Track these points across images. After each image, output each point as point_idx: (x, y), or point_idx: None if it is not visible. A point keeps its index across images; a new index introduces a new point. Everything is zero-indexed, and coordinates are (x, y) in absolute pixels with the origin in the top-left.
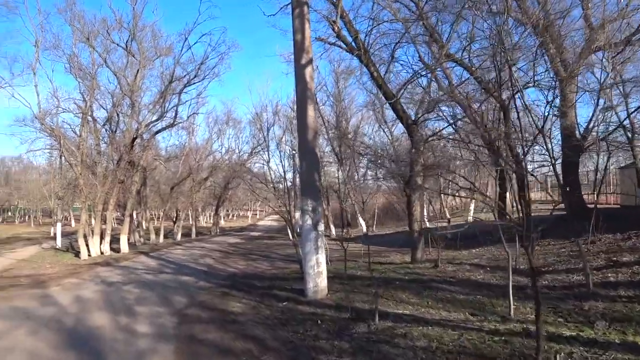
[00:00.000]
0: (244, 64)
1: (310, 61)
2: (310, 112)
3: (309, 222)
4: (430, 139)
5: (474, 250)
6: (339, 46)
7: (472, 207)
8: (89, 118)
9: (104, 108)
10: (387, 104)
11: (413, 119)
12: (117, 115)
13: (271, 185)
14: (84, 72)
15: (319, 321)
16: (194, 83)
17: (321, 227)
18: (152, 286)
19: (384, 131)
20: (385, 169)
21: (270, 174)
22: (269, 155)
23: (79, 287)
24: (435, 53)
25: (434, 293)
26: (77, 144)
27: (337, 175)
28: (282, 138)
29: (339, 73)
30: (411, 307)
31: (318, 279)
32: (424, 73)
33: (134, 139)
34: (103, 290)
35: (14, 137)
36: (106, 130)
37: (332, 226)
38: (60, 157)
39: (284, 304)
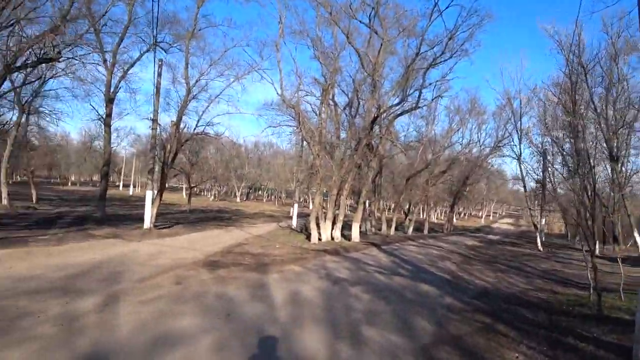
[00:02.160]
0: (495, 40)
1: None
2: None
3: None
4: None
5: None
6: None
7: None
8: (330, 102)
9: (344, 92)
10: None
11: None
12: (357, 100)
13: (522, 184)
14: (326, 55)
15: None
16: (440, 62)
17: None
18: (386, 294)
19: None
20: None
21: (521, 170)
22: (520, 149)
23: (300, 279)
24: None
25: None
26: (316, 126)
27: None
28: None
29: (618, 50)
30: None
31: None
32: None
33: (374, 119)
34: (326, 289)
35: (261, 118)
36: (346, 114)
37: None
38: (302, 141)
39: None
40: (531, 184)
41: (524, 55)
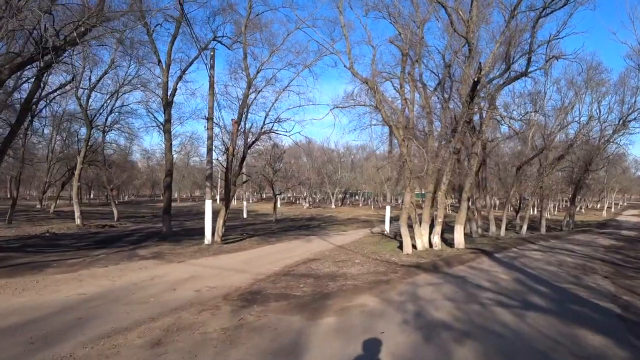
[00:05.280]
0: None
1: None
2: None
3: None
4: None
5: None
6: None
7: None
8: (418, 82)
9: (434, 72)
10: None
11: None
12: (450, 78)
13: None
14: (407, 26)
15: None
16: (554, 10)
17: None
18: None
19: None
20: None
21: None
22: None
23: (370, 327)
24: None
25: None
26: (400, 107)
27: None
28: None
29: None
30: None
31: None
32: None
33: (474, 87)
34: (410, 355)
35: (340, 112)
36: (438, 97)
37: None
38: (390, 134)
39: None
40: None
41: None
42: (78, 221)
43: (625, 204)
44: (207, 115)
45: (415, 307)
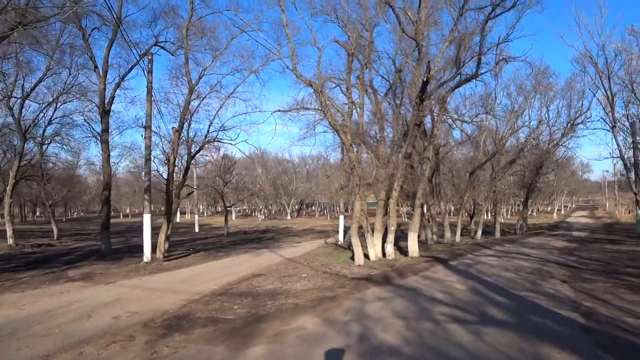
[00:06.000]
0: None
1: None
2: None
3: None
4: None
5: None
6: None
7: None
8: (368, 88)
9: (385, 78)
10: None
11: None
12: (401, 83)
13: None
14: (355, 30)
15: None
16: (502, 12)
17: None
18: None
19: None
20: None
21: (619, 144)
22: (613, 117)
23: (305, 354)
24: None
25: None
26: (346, 110)
27: None
28: None
29: None
30: None
31: None
32: None
33: (423, 86)
34: None
35: (290, 122)
36: (389, 103)
37: None
38: (342, 145)
39: None
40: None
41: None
42: (10, 241)
43: (573, 205)
44: (144, 124)
45: (360, 327)
